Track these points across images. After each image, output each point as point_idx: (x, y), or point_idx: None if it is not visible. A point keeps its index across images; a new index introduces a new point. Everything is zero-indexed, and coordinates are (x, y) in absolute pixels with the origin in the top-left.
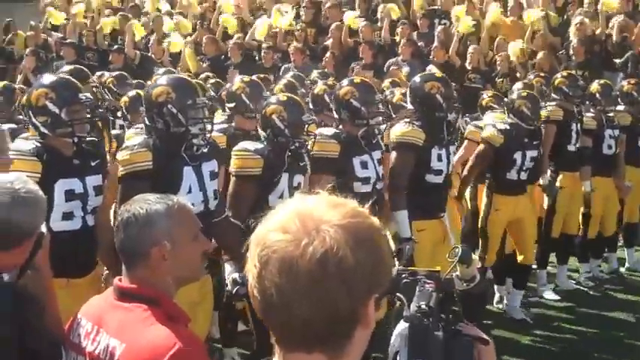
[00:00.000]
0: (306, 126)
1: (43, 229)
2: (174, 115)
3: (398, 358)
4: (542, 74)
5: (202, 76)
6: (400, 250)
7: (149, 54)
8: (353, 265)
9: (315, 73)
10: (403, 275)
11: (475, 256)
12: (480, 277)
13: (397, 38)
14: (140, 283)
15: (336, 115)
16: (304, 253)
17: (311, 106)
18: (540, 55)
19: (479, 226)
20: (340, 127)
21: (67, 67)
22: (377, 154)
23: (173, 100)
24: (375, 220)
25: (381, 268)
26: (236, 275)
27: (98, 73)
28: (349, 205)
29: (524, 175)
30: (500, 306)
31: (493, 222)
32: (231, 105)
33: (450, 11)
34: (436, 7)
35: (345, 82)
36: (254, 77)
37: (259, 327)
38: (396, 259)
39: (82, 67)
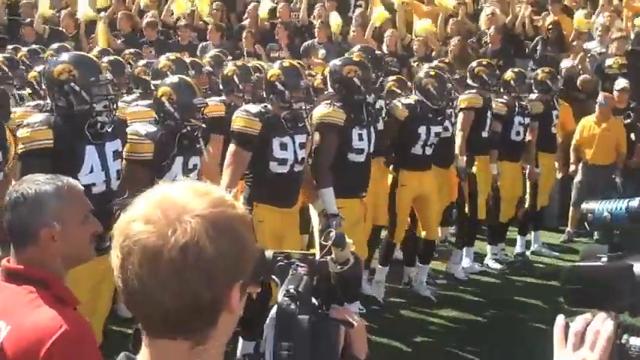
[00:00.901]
0: (200, 109)
1: None
2: (78, 93)
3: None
4: (446, 60)
5: (127, 52)
6: (328, 225)
7: (60, 28)
8: (213, 256)
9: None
10: (278, 258)
11: (349, 240)
12: (353, 260)
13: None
14: (28, 264)
15: (264, 94)
16: (166, 244)
17: (221, 87)
18: (454, 41)
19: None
20: (268, 105)
21: None
22: (300, 138)
23: (76, 78)
24: (240, 209)
25: (243, 257)
26: None
27: (10, 47)
28: (213, 193)
29: (428, 150)
30: (408, 287)
31: (400, 198)
32: (157, 82)
33: None
34: None
35: (275, 65)
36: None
37: None
38: (332, 229)
39: None
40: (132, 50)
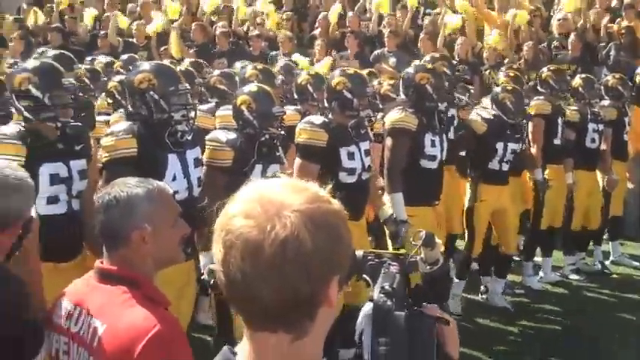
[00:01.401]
0: (279, 117)
1: (33, 213)
2: (157, 102)
3: (363, 337)
4: (514, 66)
5: (186, 61)
6: (396, 232)
7: (133, 40)
8: (312, 249)
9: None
10: (369, 257)
11: (438, 240)
12: (442, 260)
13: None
14: (120, 265)
15: (326, 104)
16: (267, 238)
17: (295, 96)
18: (527, 46)
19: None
20: (330, 116)
21: (52, 52)
22: (365, 145)
23: (155, 87)
24: (336, 204)
25: (340, 251)
26: (212, 265)
27: (88, 58)
28: (310, 189)
29: (505, 167)
30: (485, 296)
31: (479, 212)
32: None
33: (435, 2)
34: None
35: (337, 72)
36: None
37: (221, 313)
38: (390, 241)
39: (68, 53)
40: (192, 60)
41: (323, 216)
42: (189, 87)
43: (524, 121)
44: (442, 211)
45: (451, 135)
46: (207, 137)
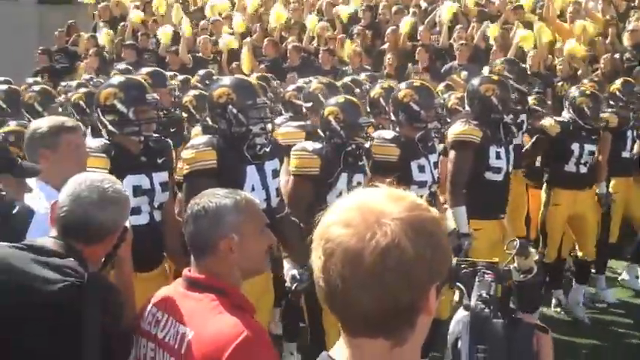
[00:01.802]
0: (365, 128)
1: (127, 224)
2: (236, 116)
3: (459, 344)
4: (596, 79)
5: (253, 75)
6: (459, 245)
7: (200, 55)
8: (413, 257)
9: (362, 76)
10: (462, 265)
11: (532, 250)
12: (536, 269)
13: (454, 42)
14: (208, 274)
15: (393, 118)
16: (367, 246)
17: (368, 109)
18: (605, 58)
19: (538, 222)
20: (397, 129)
21: (145, 70)
22: (433, 157)
23: (234, 101)
24: (434, 212)
25: (440, 259)
26: (295, 272)
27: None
28: (408, 197)
29: (583, 169)
30: (558, 309)
31: (553, 216)
32: (309, 104)
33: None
34: (487, 9)
35: (404, 84)
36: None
37: (314, 322)
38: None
39: (161, 70)
40: (259, 74)
41: (422, 223)
42: (267, 101)
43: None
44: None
45: (518, 140)
46: (293, 148)
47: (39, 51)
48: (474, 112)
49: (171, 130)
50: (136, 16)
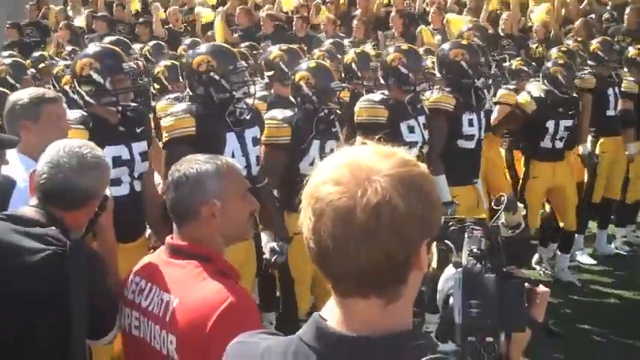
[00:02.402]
0: (337, 93)
1: (108, 193)
2: (218, 82)
3: (451, 300)
4: (579, 39)
5: (243, 45)
6: (443, 213)
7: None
8: (405, 213)
9: (345, 42)
10: (450, 223)
11: (520, 205)
12: (524, 224)
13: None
14: (191, 241)
15: (382, 81)
16: (358, 204)
17: (342, 74)
18: (578, 22)
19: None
20: (387, 92)
21: (109, 38)
22: (422, 119)
23: (215, 67)
24: (424, 168)
25: (432, 214)
26: (274, 244)
27: (138, 45)
28: (397, 154)
29: (559, 144)
30: (538, 267)
31: (531, 189)
32: (270, 73)
33: None
34: None
35: (392, 48)
36: (290, 46)
37: (286, 293)
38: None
39: (124, 38)
40: (247, 44)
41: (413, 179)
42: (246, 64)
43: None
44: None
45: (488, 105)
46: (264, 116)
47: (7, 25)
48: (445, 78)
49: (138, 100)
50: None
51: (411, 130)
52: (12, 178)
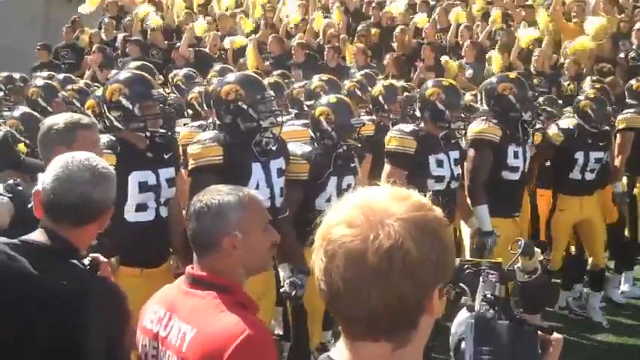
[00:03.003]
0: (357, 129)
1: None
2: (245, 111)
3: (462, 345)
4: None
5: (275, 73)
6: (482, 244)
7: (205, 49)
8: (418, 258)
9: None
10: (466, 266)
11: (537, 249)
12: (541, 270)
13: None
14: (211, 271)
15: (418, 113)
16: (370, 247)
17: (370, 106)
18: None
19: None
20: (421, 124)
21: (133, 64)
22: (454, 154)
23: (243, 97)
24: (439, 212)
25: (445, 259)
26: (294, 278)
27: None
28: (412, 197)
29: (589, 176)
30: (565, 312)
31: (558, 223)
32: (310, 102)
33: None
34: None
35: (431, 82)
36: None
37: (299, 325)
38: (476, 253)
39: (148, 63)
40: (279, 72)
41: (427, 223)
42: (273, 94)
43: (609, 129)
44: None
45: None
46: None
47: (38, 47)
48: (492, 111)
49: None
50: (143, 11)
51: (440, 164)
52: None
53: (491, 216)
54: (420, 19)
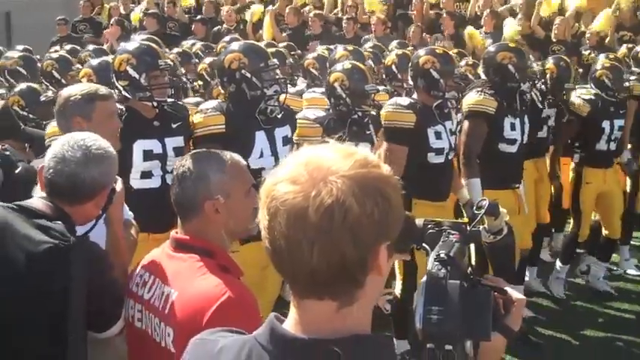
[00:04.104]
0: (371, 95)
1: (118, 186)
2: (249, 80)
3: (416, 306)
4: (629, 45)
5: (281, 45)
6: (474, 216)
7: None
8: (359, 215)
9: (394, 44)
10: (429, 226)
11: (503, 210)
12: (506, 230)
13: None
14: (194, 235)
15: (411, 83)
16: (312, 205)
17: (384, 76)
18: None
19: (569, 201)
20: (415, 95)
21: (140, 37)
22: (449, 124)
23: (246, 65)
24: (385, 169)
25: (389, 218)
26: None
27: (188, 42)
28: (359, 154)
29: (613, 146)
30: (586, 277)
31: (585, 195)
32: None
33: None
34: None
35: (424, 50)
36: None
37: None
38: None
39: (155, 37)
40: (284, 44)
41: (372, 181)
42: (277, 62)
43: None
44: (530, 202)
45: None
46: (297, 116)
47: (58, 21)
48: (490, 81)
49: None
50: None
51: (438, 136)
52: (35, 169)
53: (489, 188)
54: None
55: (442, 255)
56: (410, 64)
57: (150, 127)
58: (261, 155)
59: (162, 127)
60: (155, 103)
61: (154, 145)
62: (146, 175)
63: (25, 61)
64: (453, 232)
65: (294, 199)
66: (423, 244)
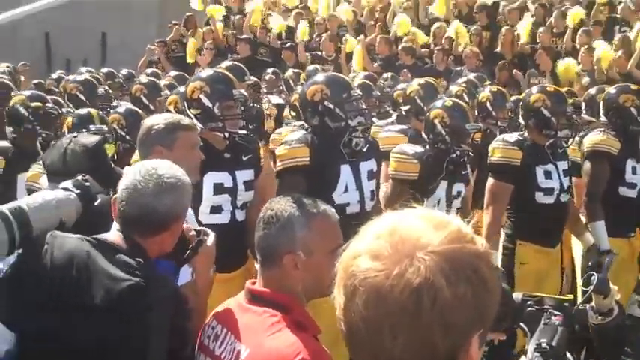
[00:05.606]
0: (471, 134)
1: (209, 240)
2: (332, 111)
3: None
4: None
5: (360, 74)
6: (599, 262)
7: (320, 53)
8: (451, 299)
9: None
10: (528, 303)
11: (614, 287)
12: (617, 309)
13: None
14: (272, 287)
15: (522, 122)
16: (396, 285)
17: (476, 113)
18: None
19: None
20: (525, 133)
21: (225, 64)
22: (563, 165)
23: (329, 96)
24: (480, 244)
25: (485, 301)
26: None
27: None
28: (453, 225)
29: None
30: None
31: None
32: (407, 107)
33: (629, 20)
34: (617, 15)
35: (536, 88)
36: (428, 79)
37: None
38: (594, 272)
39: (239, 64)
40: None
41: (466, 259)
42: (361, 93)
43: None
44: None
45: None
46: (393, 150)
47: (155, 44)
48: (610, 123)
49: (250, 127)
50: (256, 7)
51: (548, 175)
52: None
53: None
54: (526, 23)
55: (544, 345)
56: (521, 103)
57: (221, 159)
58: (346, 190)
59: (233, 160)
60: (227, 134)
61: (224, 178)
62: (216, 210)
63: (84, 87)
64: (555, 312)
65: (375, 277)
66: (520, 324)
